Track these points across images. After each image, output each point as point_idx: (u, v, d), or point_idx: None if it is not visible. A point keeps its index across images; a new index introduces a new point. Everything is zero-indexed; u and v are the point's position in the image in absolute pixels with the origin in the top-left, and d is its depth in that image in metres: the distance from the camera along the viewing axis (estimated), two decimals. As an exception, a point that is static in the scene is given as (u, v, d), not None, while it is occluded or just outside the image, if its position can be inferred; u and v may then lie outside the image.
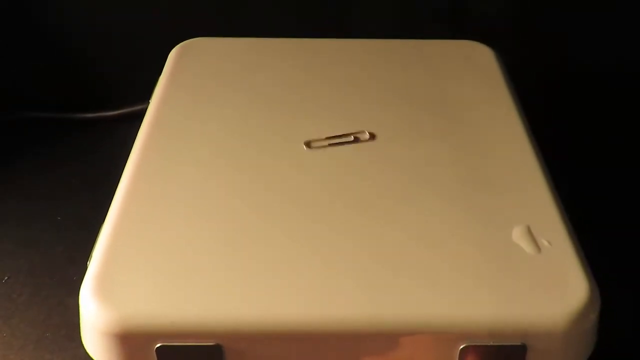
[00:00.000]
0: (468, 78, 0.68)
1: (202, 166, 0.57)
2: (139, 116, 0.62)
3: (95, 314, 0.45)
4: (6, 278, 0.62)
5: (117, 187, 0.54)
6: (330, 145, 0.58)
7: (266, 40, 0.74)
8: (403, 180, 0.55)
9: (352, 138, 0.59)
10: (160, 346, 0.44)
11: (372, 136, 0.60)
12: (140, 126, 0.60)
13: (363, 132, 0.60)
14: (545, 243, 0.50)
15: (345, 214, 0.52)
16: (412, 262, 0.48)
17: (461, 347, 0.45)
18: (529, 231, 0.51)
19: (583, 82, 0.85)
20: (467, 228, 0.51)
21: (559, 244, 0.50)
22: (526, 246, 0.50)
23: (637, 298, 0.61)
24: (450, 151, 0.59)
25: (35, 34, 0.83)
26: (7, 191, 0.72)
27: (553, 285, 0.47)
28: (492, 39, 0.73)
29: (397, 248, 0.49)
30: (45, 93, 0.84)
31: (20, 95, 0.83)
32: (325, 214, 0.52)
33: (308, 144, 0.58)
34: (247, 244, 0.49)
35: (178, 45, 0.72)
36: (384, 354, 0.45)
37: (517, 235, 0.50)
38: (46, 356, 0.56)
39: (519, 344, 0.45)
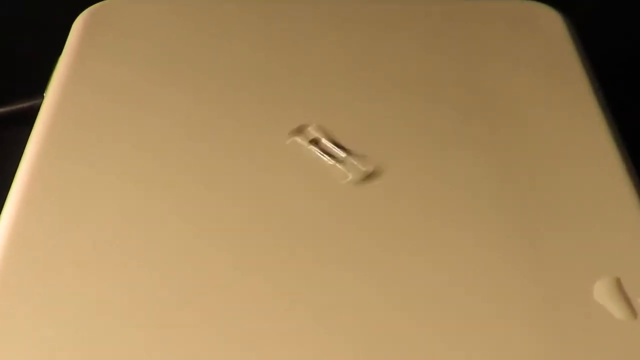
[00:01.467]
0: (528, 54, 0.55)
1: (118, 183, 0.45)
2: (31, 115, 0.52)
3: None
4: None
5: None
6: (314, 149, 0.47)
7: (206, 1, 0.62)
8: (426, 211, 0.44)
9: (343, 153, 0.47)
10: None
11: (379, 144, 0.48)
12: (32, 129, 0.50)
13: (365, 138, 0.48)
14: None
15: (340, 258, 0.41)
16: (445, 332, 0.38)
17: None
18: (619, 286, 0.40)
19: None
20: (524, 280, 0.40)
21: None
22: (615, 308, 0.39)
23: None
24: (498, 164, 0.47)
25: None
26: None
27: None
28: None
29: (420, 312, 0.39)
30: None
31: None
32: (309, 256, 0.41)
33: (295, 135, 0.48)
34: (178, 306, 0.39)
35: (83, 13, 0.60)
36: None
37: (601, 291, 0.39)
38: None
39: None
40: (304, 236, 0.43)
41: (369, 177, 0.47)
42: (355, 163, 0.47)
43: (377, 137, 0.49)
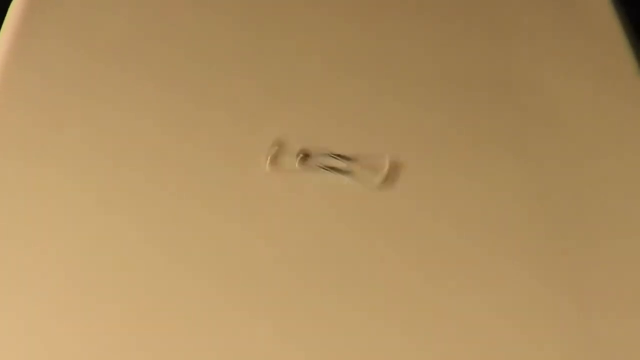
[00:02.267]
0: (568, 38, 0.46)
1: (60, 212, 0.40)
2: None
3: None
4: None
5: None
6: (305, 165, 0.41)
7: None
8: (448, 237, 0.39)
9: (347, 163, 0.40)
10: None
11: (394, 157, 0.41)
12: None
13: (376, 149, 0.41)
14: None
15: (338, 301, 0.36)
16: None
17: None
18: None
19: None
20: (566, 319, 0.36)
21: None
22: None
23: None
24: (532, 179, 0.40)
25: None
26: None
27: None
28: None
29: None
30: None
31: None
32: (297, 300, 0.37)
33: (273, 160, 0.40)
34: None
35: None
36: None
37: None
38: None
39: None
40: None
41: (382, 187, 0.40)
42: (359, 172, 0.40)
43: (390, 143, 0.41)
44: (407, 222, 0.39)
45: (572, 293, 0.36)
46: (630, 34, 0.47)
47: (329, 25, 0.49)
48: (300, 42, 0.49)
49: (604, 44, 0.47)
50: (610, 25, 0.46)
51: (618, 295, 0.37)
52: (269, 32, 0.49)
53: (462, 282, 0.37)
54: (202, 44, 0.48)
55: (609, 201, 0.39)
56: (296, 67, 0.47)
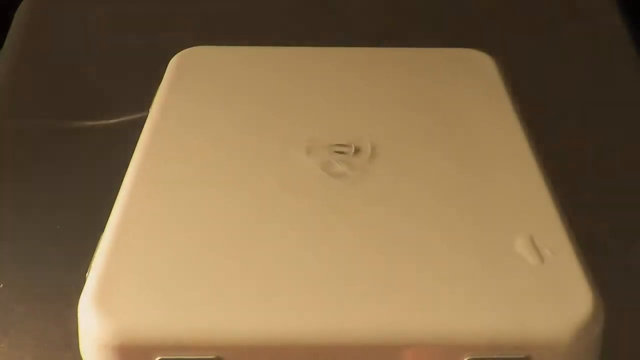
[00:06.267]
0: (468, 87, 0.67)
1: (203, 177, 0.56)
2: (139, 125, 0.62)
3: (94, 325, 0.44)
4: (1, 286, 0.61)
5: (116, 197, 0.53)
6: (331, 152, 0.58)
7: (266, 49, 0.74)
8: (401, 191, 0.55)
9: (352, 149, 0.58)
10: (160, 359, 0.44)
11: (373, 147, 0.59)
12: (139, 135, 0.60)
13: (364, 142, 0.59)
14: (549, 253, 0.49)
15: (345, 228, 0.51)
16: (411, 275, 0.47)
17: (464, 360, 0.44)
18: (532, 241, 0.50)
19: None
20: (469, 239, 0.51)
21: (563, 254, 0.49)
22: (529, 256, 0.49)
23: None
24: (450, 162, 0.58)
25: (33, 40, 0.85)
26: (4, 200, 0.71)
27: (557, 296, 0.46)
28: (495, 46, 0.70)
29: (397, 261, 0.48)
30: (42, 100, 0.84)
31: (17, 103, 0.83)
32: (325, 226, 0.51)
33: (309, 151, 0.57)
34: (249, 256, 0.49)
35: (178, 54, 0.71)
36: (387, 366, 0.44)
37: (520, 245, 0.50)
38: (44, 366, 0.55)
39: (523, 356, 0.44)
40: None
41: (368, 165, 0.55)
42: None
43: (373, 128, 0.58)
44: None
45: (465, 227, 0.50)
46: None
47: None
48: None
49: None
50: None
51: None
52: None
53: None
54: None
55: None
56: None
